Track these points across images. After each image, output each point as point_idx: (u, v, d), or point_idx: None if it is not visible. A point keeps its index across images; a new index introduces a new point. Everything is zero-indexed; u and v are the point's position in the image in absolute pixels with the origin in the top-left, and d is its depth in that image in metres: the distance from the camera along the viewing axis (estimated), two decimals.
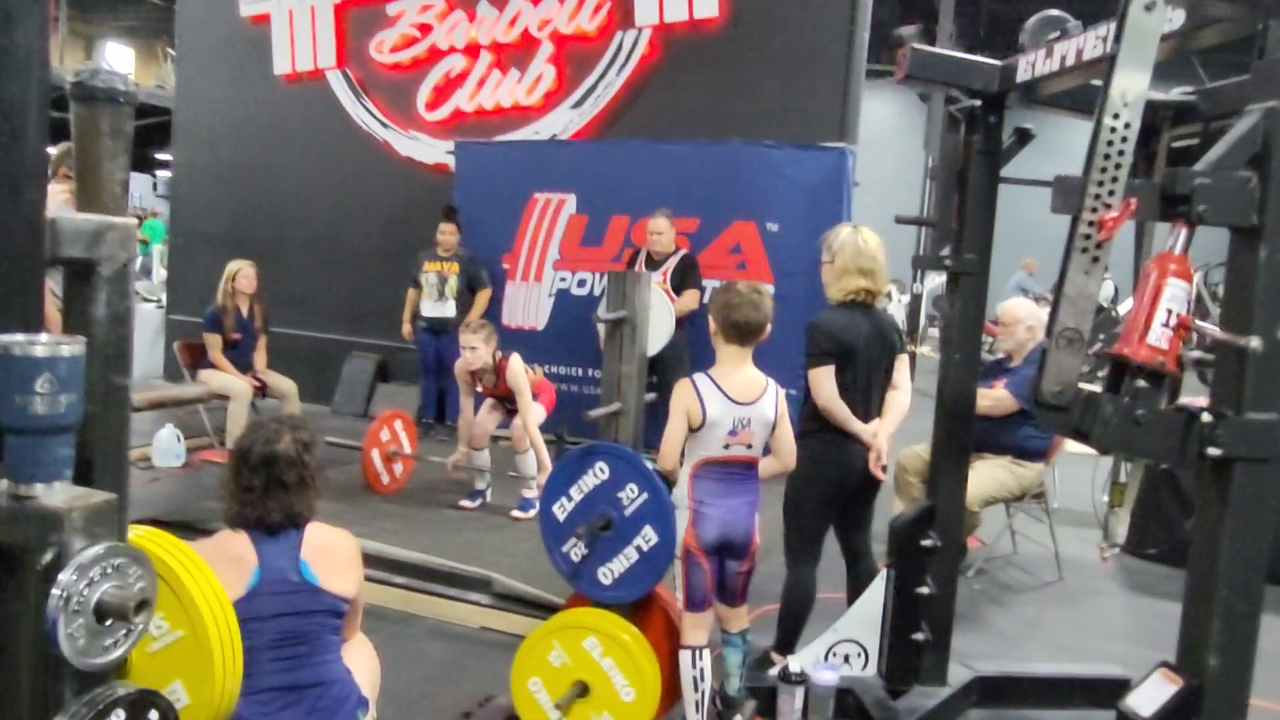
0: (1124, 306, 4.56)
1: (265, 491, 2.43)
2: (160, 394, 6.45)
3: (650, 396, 3.62)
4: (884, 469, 3.50)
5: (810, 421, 3.49)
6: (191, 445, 6.70)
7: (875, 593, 3.35)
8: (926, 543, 3.23)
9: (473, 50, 8.19)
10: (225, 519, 2.48)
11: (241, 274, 6.64)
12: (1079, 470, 5.93)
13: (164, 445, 6.38)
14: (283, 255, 9.02)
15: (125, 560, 1.24)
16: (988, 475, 4.82)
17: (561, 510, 3.18)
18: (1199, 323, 2.15)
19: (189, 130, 9.64)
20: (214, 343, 6.57)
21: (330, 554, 2.50)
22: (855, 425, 3.44)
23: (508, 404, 5.47)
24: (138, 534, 2.02)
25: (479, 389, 5.39)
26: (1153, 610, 4.78)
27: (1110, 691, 3.30)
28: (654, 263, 6.66)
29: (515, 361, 5.28)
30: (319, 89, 8.86)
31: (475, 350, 5.22)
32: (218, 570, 2.16)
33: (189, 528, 4.74)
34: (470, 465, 5.54)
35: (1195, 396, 2.32)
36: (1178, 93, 2.52)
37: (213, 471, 6.26)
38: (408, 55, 8.48)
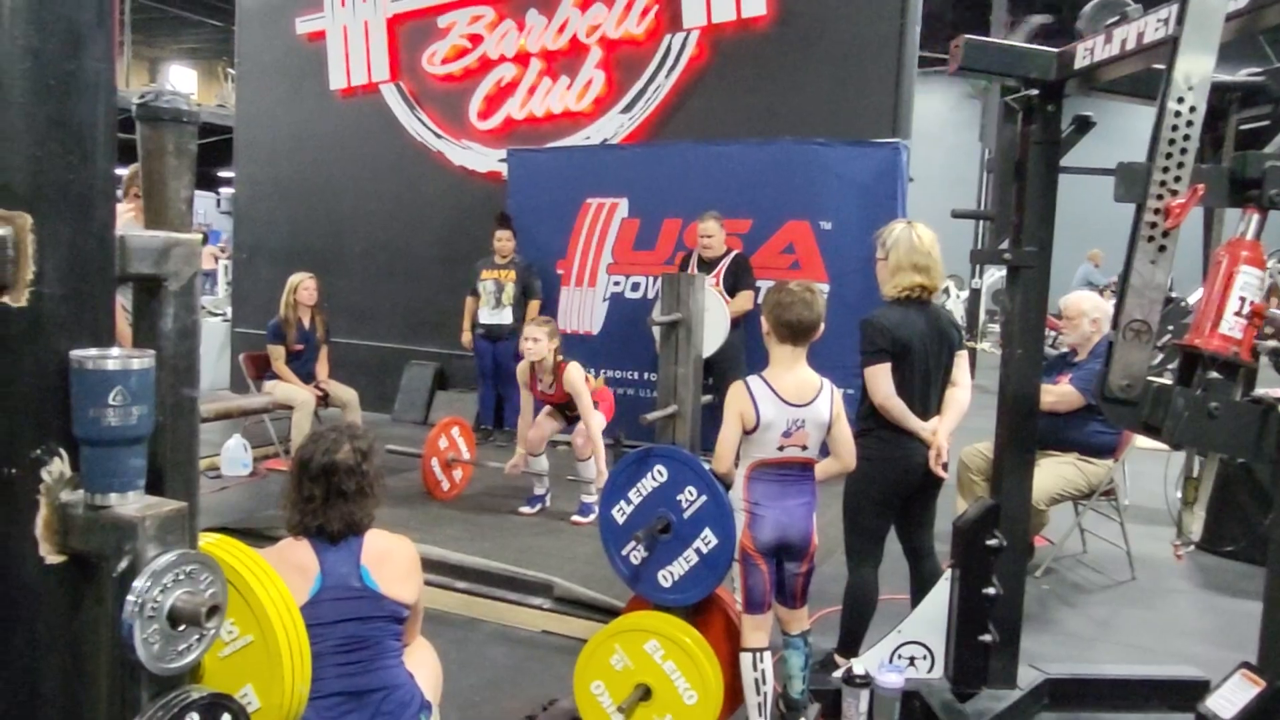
0: (1194, 296, 4.46)
1: (325, 500, 2.47)
2: (227, 405, 6.60)
3: (706, 398, 3.62)
4: (945, 467, 3.46)
5: (868, 420, 3.47)
6: (258, 454, 6.84)
7: (940, 593, 3.30)
8: (991, 542, 3.18)
9: (523, 59, 8.27)
10: (287, 527, 2.53)
11: (302, 286, 6.77)
12: (1151, 466, 5.78)
13: (232, 455, 6.53)
14: (342, 267, 9.18)
15: (196, 567, 1.27)
16: (1053, 472, 4.74)
17: (621, 513, 3.19)
18: (1274, 311, 2.08)
19: (249, 147, 9.87)
20: (277, 354, 6.71)
21: (390, 560, 2.54)
22: (913, 422, 3.40)
23: (566, 411, 5.50)
24: (208, 541, 2.07)
25: (539, 389, 5.40)
26: (1231, 609, 4.65)
27: (1188, 694, 3.21)
28: (706, 265, 6.66)
29: (574, 369, 5.29)
30: (373, 103, 9.01)
31: (536, 342, 5.18)
32: (282, 577, 2.20)
33: (256, 535, 4.85)
34: (529, 470, 5.58)
35: (1272, 388, 2.25)
36: (1245, 74, 2.45)
37: (278, 480, 6.39)
38: (459, 66, 8.59)
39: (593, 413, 5.28)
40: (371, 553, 2.51)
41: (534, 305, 7.37)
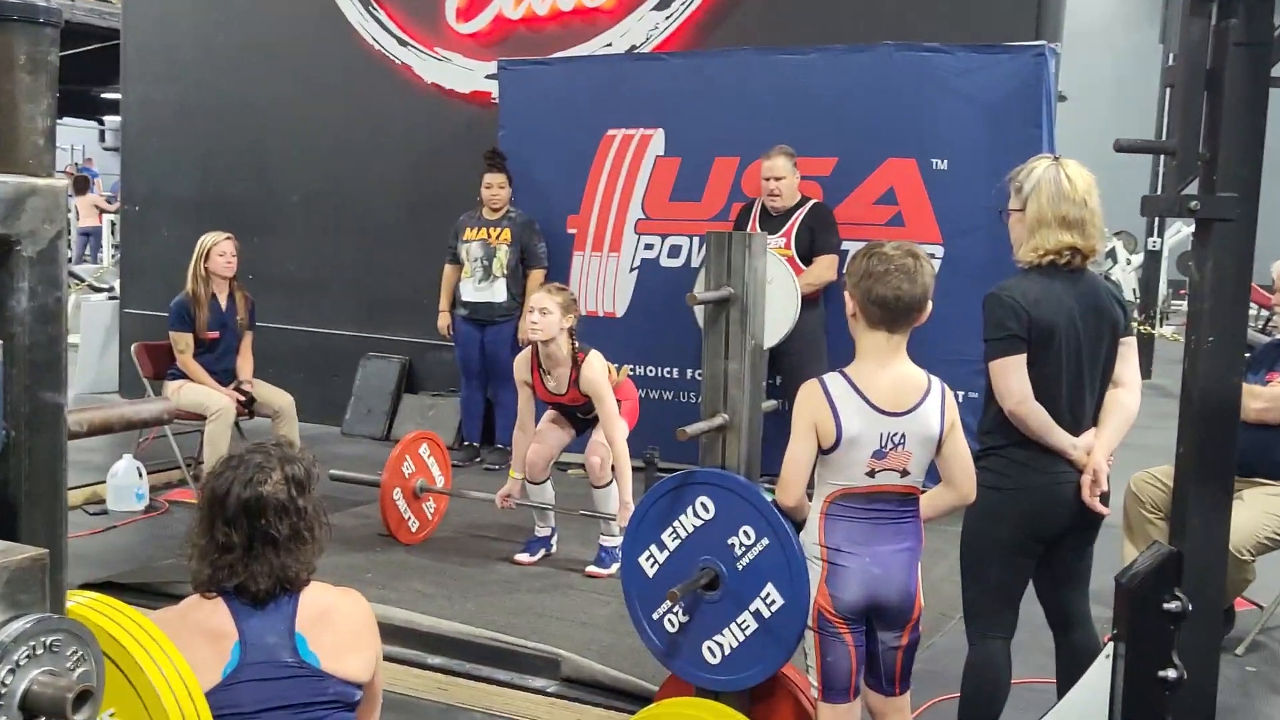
0: None
1: (248, 550, 2.50)
2: (111, 414, 6.65)
3: (770, 404, 3.61)
4: (1105, 499, 3.43)
5: (994, 434, 3.44)
6: (156, 482, 6.91)
7: (1098, 676, 3.28)
8: (1172, 605, 3.15)
9: None
10: (194, 583, 2.55)
11: (217, 250, 6.82)
12: None
13: (120, 483, 6.60)
14: (272, 224, 9.25)
15: (62, 638, 1.28)
16: (1261, 509, 4.68)
17: (651, 563, 3.19)
18: None
19: (143, 59, 9.96)
20: (184, 344, 6.77)
21: (335, 624, 2.56)
22: (1059, 437, 3.38)
23: (580, 413, 5.52)
24: (80, 602, 2.09)
25: (545, 388, 5.42)
26: None
27: None
28: (772, 219, 6.64)
29: (596, 359, 5.31)
30: None
31: (545, 315, 5.19)
32: (184, 649, 2.21)
33: (153, 593, 4.90)
34: (526, 501, 5.60)
35: None
36: None
37: (185, 516, 6.45)
38: None
39: (617, 420, 5.31)
40: (309, 615, 2.53)
41: (536, 276, 7.39)
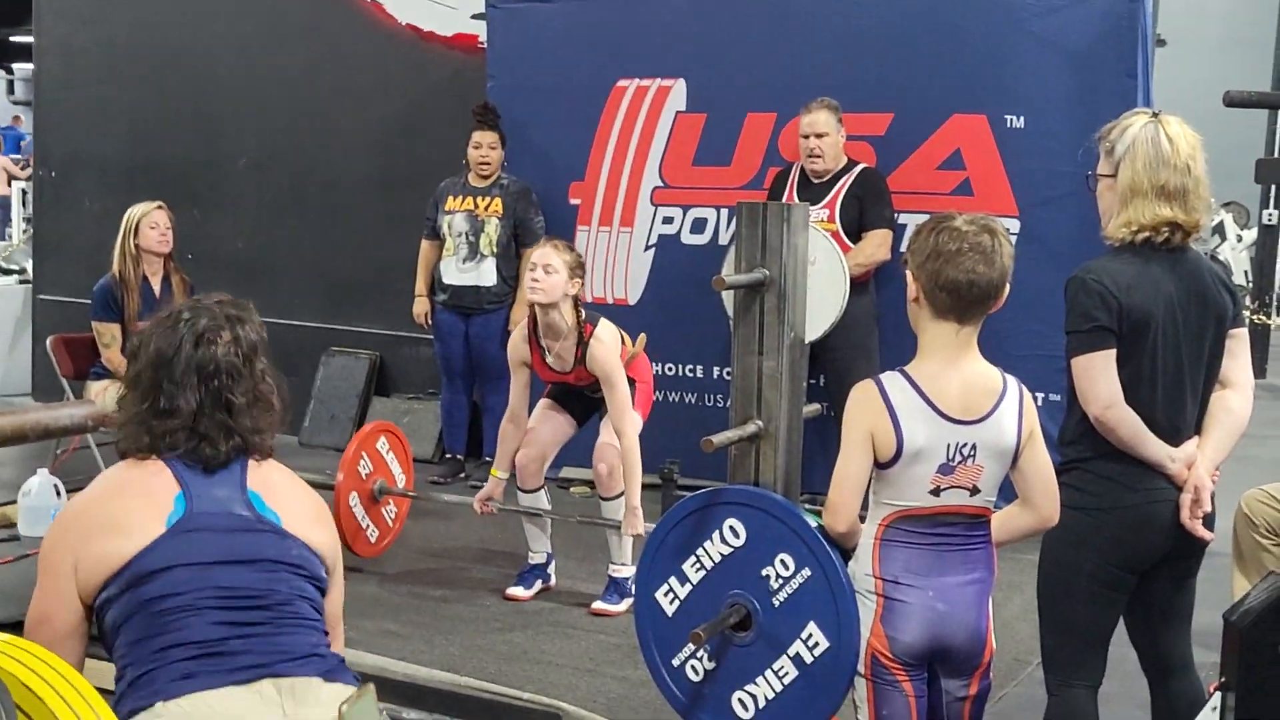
0: None
1: (198, 416, 2.56)
2: (24, 420, 6.66)
3: (813, 409, 3.62)
4: (1209, 522, 3.44)
5: (1078, 445, 3.45)
6: None
7: None
8: None
9: None
10: (125, 449, 2.61)
11: (148, 224, 6.83)
12: None
13: (34, 503, 6.59)
14: (215, 193, 9.27)
15: None
16: None
17: (671, 599, 3.20)
18: None
19: None
20: (110, 336, 6.78)
21: (294, 493, 2.65)
22: (1154, 449, 3.38)
23: (588, 392, 5.52)
24: None
25: (546, 366, 5.44)
26: None
27: None
28: (812, 187, 6.64)
29: (605, 332, 5.34)
30: None
31: (550, 275, 5.22)
32: (116, 512, 2.36)
33: None
34: (512, 507, 5.62)
35: None
36: None
37: None
38: None
39: (628, 410, 5.32)
40: (262, 476, 2.62)
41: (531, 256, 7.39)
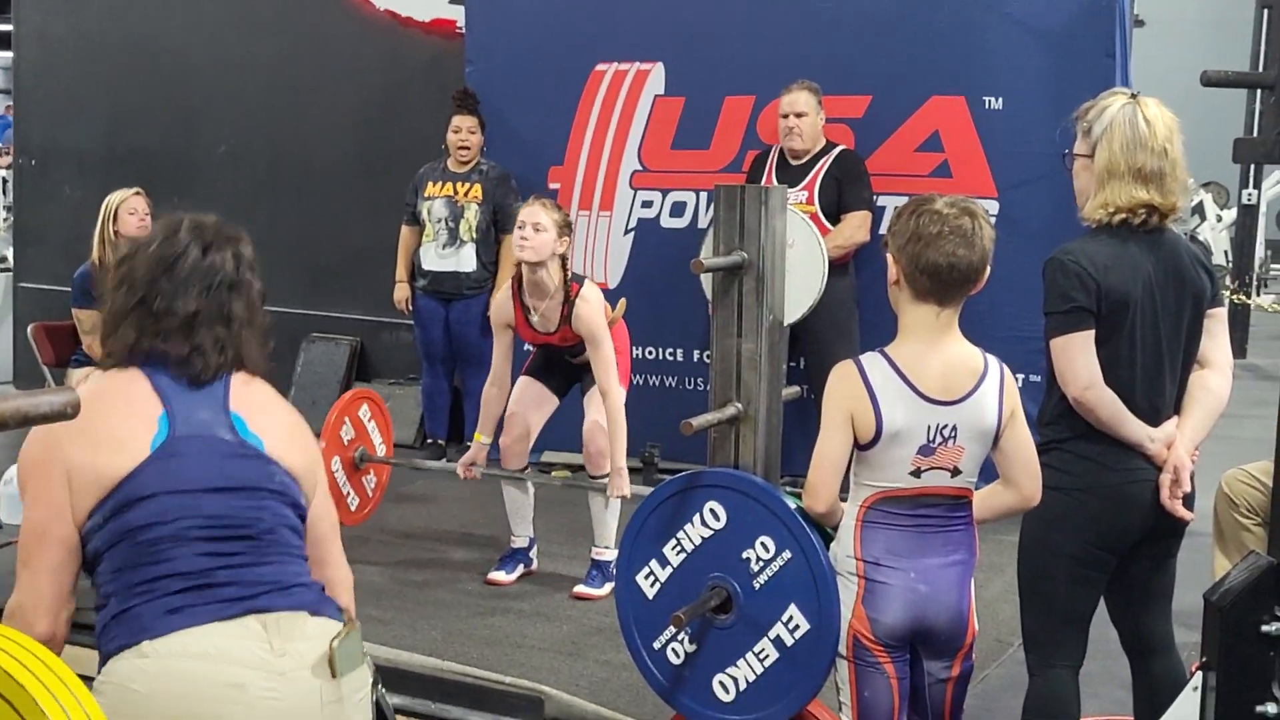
0: None
1: (194, 325, 2.54)
2: (5, 408, 6.65)
3: (793, 391, 3.61)
4: (1189, 502, 3.44)
5: (1057, 425, 3.45)
6: None
7: (1183, 712, 3.30)
8: (1271, 627, 3.16)
9: None
10: (108, 354, 2.58)
11: (127, 210, 6.81)
12: None
13: (15, 491, 6.58)
14: (194, 180, 9.21)
15: None
16: None
17: (652, 582, 3.20)
18: None
19: None
20: (90, 323, 6.75)
21: (277, 413, 2.63)
22: (1134, 428, 3.38)
23: (569, 356, 5.49)
24: None
25: (529, 326, 5.42)
26: None
27: None
28: (791, 169, 6.63)
29: (591, 292, 5.35)
30: None
31: (540, 231, 5.22)
32: (102, 422, 2.34)
33: None
34: (495, 471, 5.61)
35: None
36: None
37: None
38: None
39: (613, 368, 5.30)
40: (244, 396, 2.59)
41: (511, 242, 7.38)
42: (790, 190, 6.43)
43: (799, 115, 6.53)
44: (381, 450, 6.09)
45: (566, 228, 5.33)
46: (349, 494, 5.92)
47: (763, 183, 6.54)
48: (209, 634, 2.37)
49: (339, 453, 5.86)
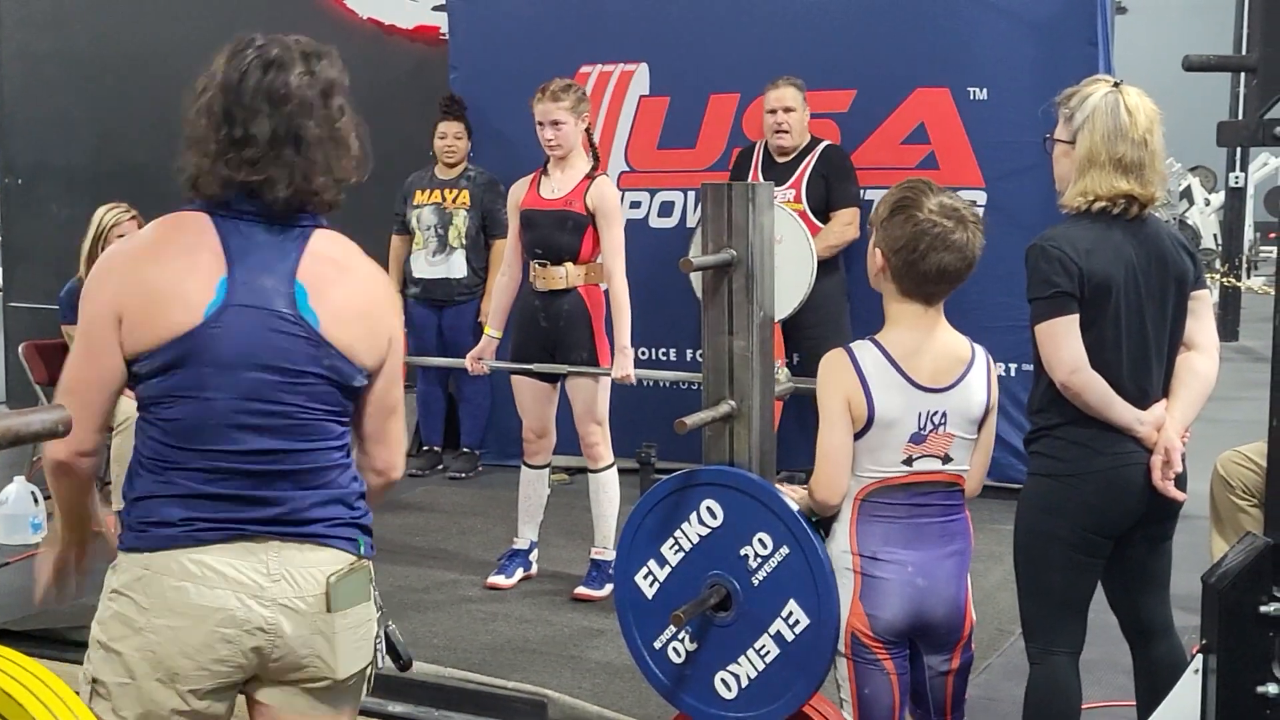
0: None
1: (271, 147, 2.44)
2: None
3: (785, 386, 3.61)
4: (1181, 483, 3.44)
5: (1047, 412, 3.46)
6: (54, 509, 6.89)
7: (1185, 695, 3.29)
8: (1270, 608, 3.16)
9: None
10: (185, 185, 2.53)
11: (118, 229, 6.81)
12: None
13: (11, 511, 6.58)
14: (180, 194, 9.20)
15: None
16: None
17: (651, 582, 3.19)
18: None
19: (24, 1, 9.90)
20: None
21: (345, 280, 2.51)
22: (1122, 411, 3.38)
23: (558, 230, 5.39)
24: None
25: (537, 194, 5.42)
26: None
27: None
28: (777, 167, 6.63)
29: (606, 183, 5.43)
30: None
31: (560, 127, 5.32)
32: (160, 280, 2.34)
33: (55, 641, 4.89)
34: (501, 365, 5.63)
35: None
36: None
37: (92, 549, 6.44)
38: None
39: (621, 258, 5.36)
40: (317, 263, 2.49)
41: (500, 247, 7.36)
42: (777, 189, 6.43)
43: (787, 110, 6.54)
44: None
45: (582, 101, 5.40)
46: None
47: (748, 178, 6.55)
48: (208, 555, 2.39)
49: None
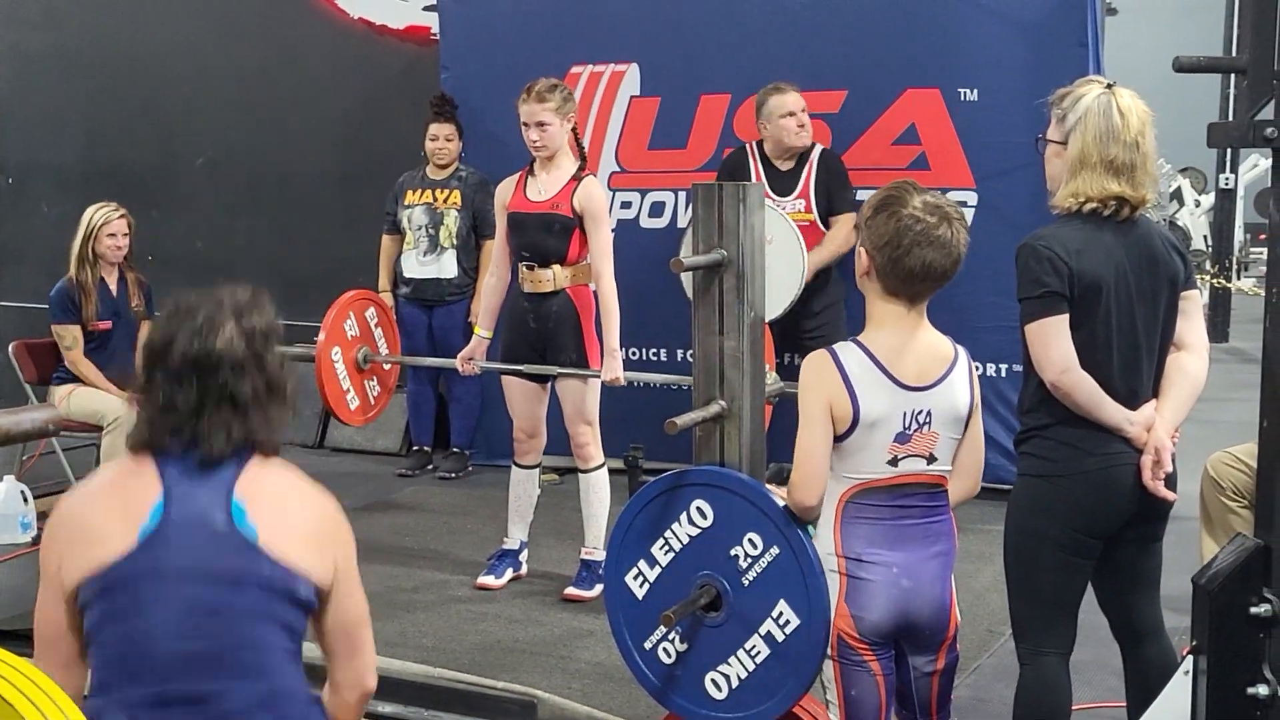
0: None
1: (199, 413, 2.47)
2: None
3: (776, 387, 3.60)
4: (1172, 483, 3.44)
5: (1037, 412, 3.45)
6: (46, 507, 6.87)
7: (1175, 696, 3.29)
8: (1260, 609, 3.16)
9: None
10: (129, 444, 2.54)
11: (107, 228, 6.81)
12: None
13: (3, 509, 6.57)
14: (172, 194, 9.22)
15: None
16: None
17: (641, 583, 3.19)
18: None
19: (12, 0, 9.89)
20: (71, 338, 6.75)
21: (287, 505, 2.52)
22: (1112, 411, 3.38)
23: (545, 233, 5.37)
24: None
25: (524, 196, 5.40)
26: None
27: None
28: (781, 176, 6.57)
29: (593, 184, 5.41)
30: None
31: (545, 128, 5.29)
32: (96, 517, 2.36)
33: None
34: (491, 366, 5.62)
35: None
36: None
37: None
38: None
39: (609, 255, 5.36)
40: (257, 483, 2.50)
41: (491, 247, 7.37)
42: (784, 199, 6.46)
43: (790, 115, 6.44)
44: (384, 351, 6.04)
45: (567, 101, 5.37)
46: (349, 391, 5.85)
47: (750, 181, 6.52)
48: None
49: (340, 343, 5.78)
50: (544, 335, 5.43)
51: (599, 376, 5.34)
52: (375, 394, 6.05)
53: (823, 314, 6.43)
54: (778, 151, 6.58)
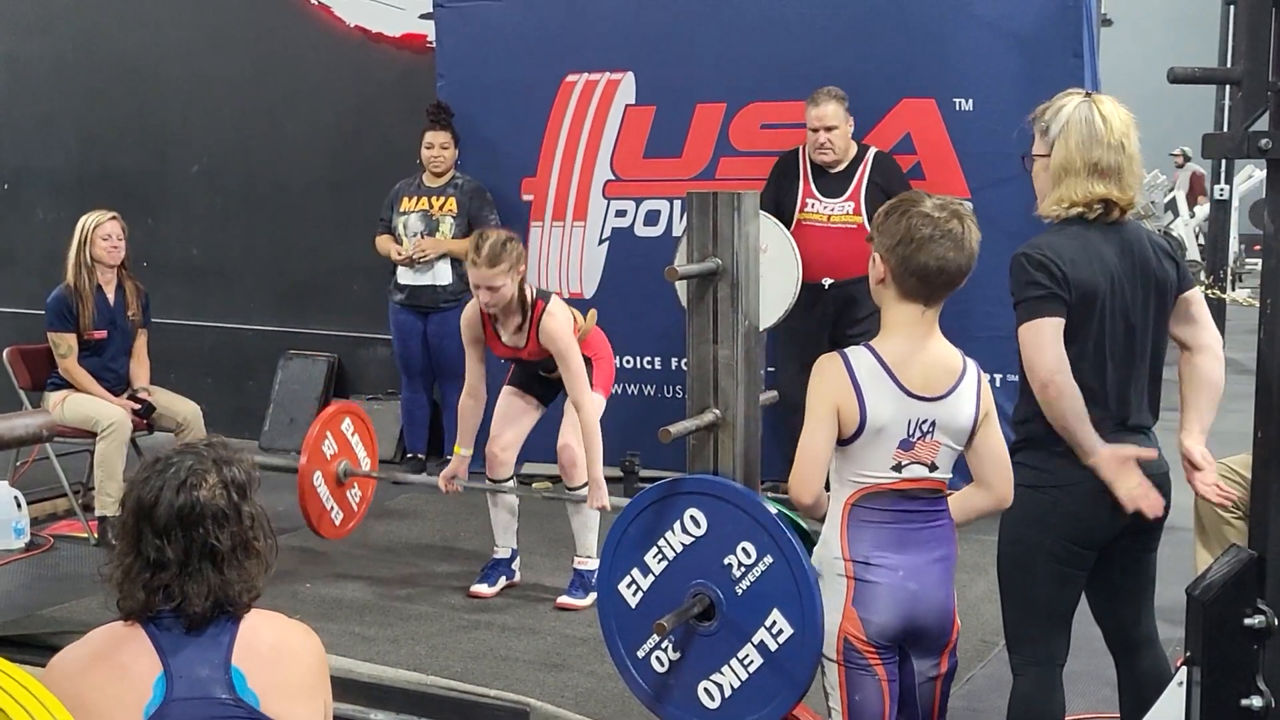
0: None
1: (184, 566, 2.47)
2: None
3: (770, 396, 3.60)
4: (1164, 493, 3.43)
5: (1032, 422, 3.44)
6: (39, 513, 6.87)
7: (1169, 708, 3.29)
8: (1254, 620, 3.16)
9: None
10: (119, 609, 2.53)
11: (101, 233, 6.78)
12: None
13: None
14: (168, 200, 9.21)
15: None
16: None
17: (634, 591, 3.18)
18: None
19: (8, 7, 9.87)
20: (66, 345, 6.73)
21: (281, 663, 2.54)
22: (1087, 432, 3.33)
23: (543, 370, 5.49)
24: None
25: (500, 342, 5.41)
26: None
27: None
28: (828, 178, 6.56)
29: (558, 308, 5.34)
30: None
31: (495, 290, 5.18)
32: (93, 694, 2.24)
33: (38, 646, 4.86)
34: (477, 485, 5.61)
35: None
36: None
37: (74, 553, 6.43)
38: None
39: (583, 383, 5.31)
40: (250, 648, 2.52)
41: None
42: (833, 200, 6.47)
43: (829, 129, 6.45)
44: (366, 465, 6.06)
45: (518, 260, 5.25)
46: (332, 508, 5.90)
47: (799, 189, 6.60)
48: None
49: (321, 467, 5.83)
50: (557, 381, 5.45)
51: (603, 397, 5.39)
52: (357, 500, 6.10)
53: (867, 320, 6.38)
54: (816, 160, 6.60)
